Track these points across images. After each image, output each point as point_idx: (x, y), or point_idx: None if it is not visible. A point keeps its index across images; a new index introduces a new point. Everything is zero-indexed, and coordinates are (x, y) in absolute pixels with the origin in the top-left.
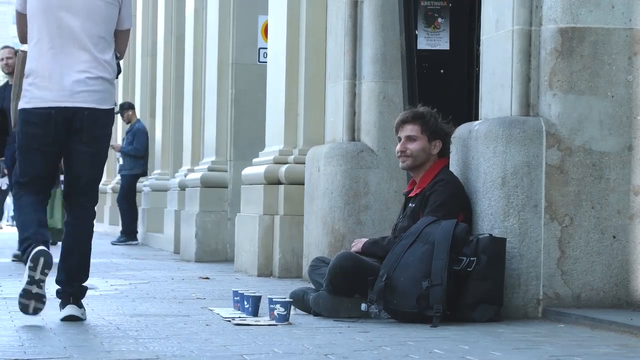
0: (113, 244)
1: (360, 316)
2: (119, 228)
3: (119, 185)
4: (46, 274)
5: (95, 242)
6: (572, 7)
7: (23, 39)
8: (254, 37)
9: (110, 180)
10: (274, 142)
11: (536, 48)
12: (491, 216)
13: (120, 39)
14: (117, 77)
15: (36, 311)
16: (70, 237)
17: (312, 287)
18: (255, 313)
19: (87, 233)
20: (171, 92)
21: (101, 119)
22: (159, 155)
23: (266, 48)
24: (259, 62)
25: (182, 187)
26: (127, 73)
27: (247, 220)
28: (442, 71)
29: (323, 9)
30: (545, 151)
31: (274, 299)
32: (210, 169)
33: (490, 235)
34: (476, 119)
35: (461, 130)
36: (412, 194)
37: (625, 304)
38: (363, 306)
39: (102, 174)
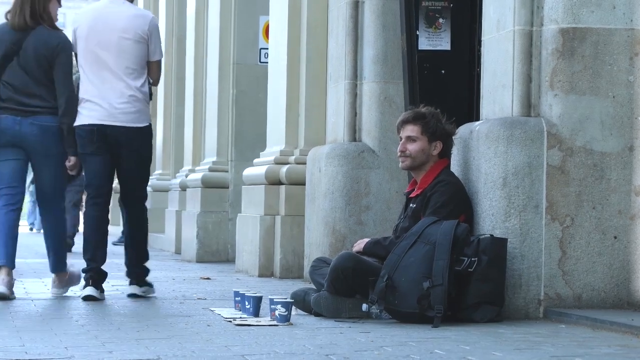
0: (114, 244)
1: (362, 317)
2: (121, 228)
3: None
4: (100, 298)
5: None
6: (573, 7)
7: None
8: (255, 38)
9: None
10: (275, 143)
11: (537, 48)
12: (492, 216)
13: (152, 68)
14: (150, 100)
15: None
16: (129, 233)
17: (313, 287)
18: (256, 313)
19: (142, 229)
20: (172, 93)
21: (137, 134)
22: (160, 156)
23: (267, 48)
24: (260, 62)
25: (183, 188)
26: None
27: (248, 220)
28: (443, 72)
29: (324, 9)
30: (547, 151)
31: (275, 300)
32: (211, 170)
33: (491, 235)
34: (477, 119)
35: (462, 130)
36: (413, 195)
37: (627, 305)
38: (364, 307)
39: (145, 178)
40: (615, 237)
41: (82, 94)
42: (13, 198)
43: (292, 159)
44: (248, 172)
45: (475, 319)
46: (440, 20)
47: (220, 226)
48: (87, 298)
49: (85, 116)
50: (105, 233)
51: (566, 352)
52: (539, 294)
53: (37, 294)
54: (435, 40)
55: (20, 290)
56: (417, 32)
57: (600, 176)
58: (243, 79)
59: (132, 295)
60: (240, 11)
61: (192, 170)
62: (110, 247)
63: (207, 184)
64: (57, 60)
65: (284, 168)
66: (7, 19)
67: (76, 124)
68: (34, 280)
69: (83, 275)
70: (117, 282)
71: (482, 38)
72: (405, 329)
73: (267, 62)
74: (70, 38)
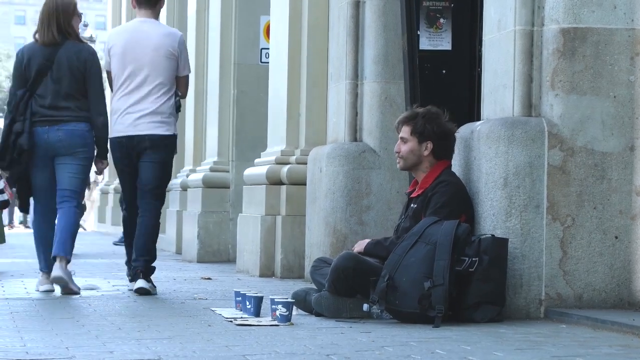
0: (115, 244)
1: (362, 317)
2: (121, 229)
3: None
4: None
5: (97, 243)
6: (574, 7)
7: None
8: (256, 38)
9: (112, 181)
10: (276, 143)
11: (538, 48)
12: (493, 216)
13: (180, 82)
14: (178, 111)
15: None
16: (140, 227)
17: (314, 287)
18: (257, 313)
19: (152, 225)
20: None
21: (160, 142)
22: None
23: (268, 48)
24: (261, 62)
25: (184, 188)
26: None
27: (249, 220)
28: (444, 72)
29: (325, 9)
30: (547, 151)
31: (276, 300)
32: (212, 170)
33: (493, 235)
34: (478, 119)
35: (463, 130)
36: (414, 195)
37: (627, 305)
38: (365, 307)
39: (164, 182)
40: (616, 237)
41: (115, 106)
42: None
43: (293, 159)
44: (249, 172)
45: (476, 319)
46: (441, 20)
47: (221, 226)
48: (139, 290)
49: (116, 130)
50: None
51: (567, 352)
52: (540, 294)
53: (38, 293)
54: (436, 40)
55: (21, 290)
56: (418, 32)
57: (601, 176)
58: (244, 79)
59: (140, 290)
60: (241, 11)
61: (193, 170)
62: (111, 247)
63: (208, 184)
64: (91, 71)
65: (285, 168)
66: (35, 38)
67: (111, 135)
68: (35, 280)
69: (133, 269)
70: (117, 282)
71: (483, 38)
72: (406, 329)
73: (268, 62)
74: (103, 56)
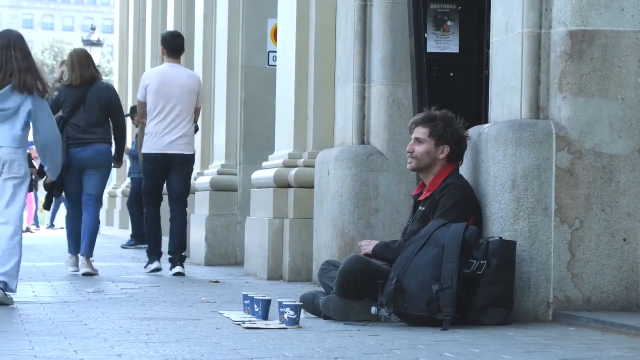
0: (123, 247)
1: (371, 319)
2: (129, 232)
3: (129, 189)
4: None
5: (105, 246)
6: (581, 9)
7: (143, 116)
8: (264, 41)
9: (120, 184)
10: (283, 146)
11: (546, 51)
12: (501, 219)
13: (197, 112)
14: (195, 133)
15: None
16: (175, 227)
17: (322, 290)
18: (265, 316)
19: (182, 225)
20: None
21: (185, 158)
22: None
23: (275, 51)
24: (268, 65)
25: (192, 191)
26: (137, 76)
27: (257, 223)
28: (451, 74)
29: (332, 11)
30: (555, 154)
31: (284, 303)
32: (219, 173)
33: (501, 238)
34: (486, 122)
35: (471, 133)
36: (421, 197)
37: (636, 307)
38: (373, 309)
39: (188, 190)
40: (624, 240)
41: (151, 130)
42: (80, 205)
43: (300, 161)
44: (256, 175)
45: (484, 322)
46: (449, 22)
47: (229, 229)
48: (177, 274)
49: (151, 147)
50: (160, 229)
51: (575, 355)
52: (548, 296)
53: (47, 297)
54: (443, 42)
55: (30, 293)
56: (425, 35)
57: (609, 178)
58: (251, 82)
59: (178, 274)
60: (248, 14)
61: (200, 174)
62: (119, 251)
63: (216, 187)
64: (114, 103)
65: (293, 171)
66: (68, 83)
67: (146, 151)
68: (43, 283)
69: (171, 258)
70: (126, 286)
71: (491, 40)
72: (414, 332)
73: (275, 65)
74: (139, 91)
